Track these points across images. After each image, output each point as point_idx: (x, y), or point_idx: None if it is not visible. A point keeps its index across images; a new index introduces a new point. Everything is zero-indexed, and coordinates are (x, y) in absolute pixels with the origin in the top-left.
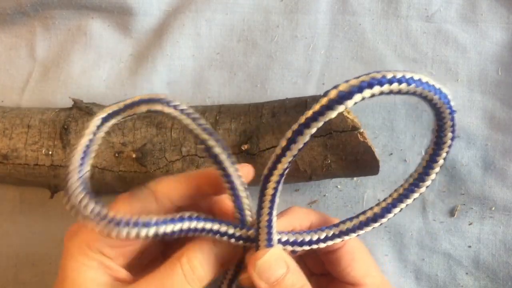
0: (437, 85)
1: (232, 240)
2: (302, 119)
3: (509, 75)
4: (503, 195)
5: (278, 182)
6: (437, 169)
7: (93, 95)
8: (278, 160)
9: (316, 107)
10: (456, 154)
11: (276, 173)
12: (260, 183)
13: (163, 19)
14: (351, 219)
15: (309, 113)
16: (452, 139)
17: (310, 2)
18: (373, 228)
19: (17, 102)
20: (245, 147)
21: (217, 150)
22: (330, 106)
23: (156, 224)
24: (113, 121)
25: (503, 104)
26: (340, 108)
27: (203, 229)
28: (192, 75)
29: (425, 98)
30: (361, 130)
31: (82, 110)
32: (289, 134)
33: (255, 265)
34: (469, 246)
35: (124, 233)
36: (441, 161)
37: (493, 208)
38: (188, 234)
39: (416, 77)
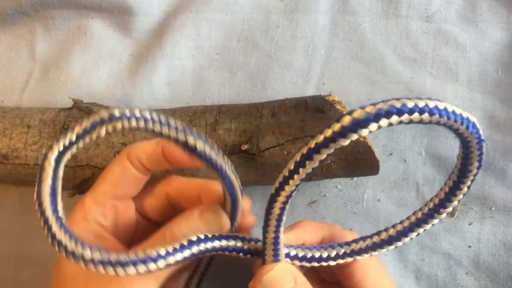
0: (464, 114)
1: (241, 254)
2: (313, 144)
3: (509, 75)
4: (503, 195)
5: (285, 203)
6: (460, 197)
7: (93, 95)
8: (285, 181)
9: (328, 132)
10: (456, 154)
11: (283, 194)
12: (266, 201)
13: (163, 19)
14: (364, 238)
15: (321, 138)
16: (479, 168)
17: (310, 2)
18: (387, 250)
19: (17, 102)
20: (245, 147)
21: (200, 147)
22: (343, 133)
23: (164, 257)
24: (68, 155)
25: (503, 104)
26: (353, 137)
27: (212, 249)
28: (192, 75)
29: (450, 127)
30: None
31: (82, 110)
32: (298, 157)
33: (261, 281)
34: (469, 246)
35: (132, 272)
36: (465, 189)
37: (493, 208)
38: (199, 256)
39: (440, 106)
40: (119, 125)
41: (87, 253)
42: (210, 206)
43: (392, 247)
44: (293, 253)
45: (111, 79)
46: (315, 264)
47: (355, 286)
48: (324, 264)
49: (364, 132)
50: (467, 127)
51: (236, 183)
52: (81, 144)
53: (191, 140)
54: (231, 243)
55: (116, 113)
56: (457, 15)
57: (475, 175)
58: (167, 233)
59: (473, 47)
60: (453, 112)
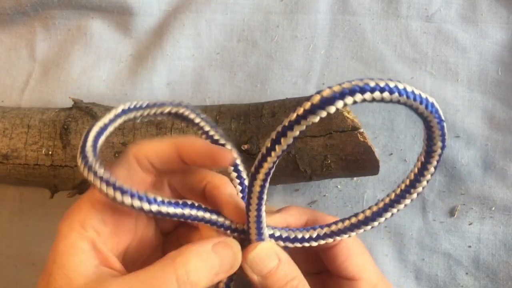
0: (423, 95)
1: (228, 232)
2: (286, 122)
3: (509, 75)
4: (503, 195)
5: (264, 180)
6: (428, 177)
7: (93, 95)
8: (263, 159)
9: (300, 111)
10: (456, 154)
11: (262, 171)
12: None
13: (163, 19)
14: (343, 220)
15: (293, 116)
16: (442, 148)
17: (310, 2)
18: (364, 230)
19: (17, 102)
20: (245, 147)
21: (229, 147)
22: (312, 110)
23: (158, 203)
24: (132, 115)
25: (503, 104)
26: (322, 113)
27: (202, 218)
28: (192, 75)
29: (410, 107)
30: (361, 130)
31: (82, 110)
32: (273, 135)
33: (247, 259)
34: (469, 246)
35: (128, 201)
36: (431, 169)
37: (493, 208)
38: (187, 220)
39: (400, 86)
40: (182, 111)
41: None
42: (224, 240)
43: (368, 227)
44: (277, 234)
45: (111, 79)
46: (298, 244)
47: (339, 268)
48: (306, 244)
49: (331, 109)
50: (426, 107)
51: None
52: (140, 113)
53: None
54: (221, 219)
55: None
56: (457, 15)
57: (440, 155)
58: (177, 263)
59: (473, 47)
60: (412, 91)
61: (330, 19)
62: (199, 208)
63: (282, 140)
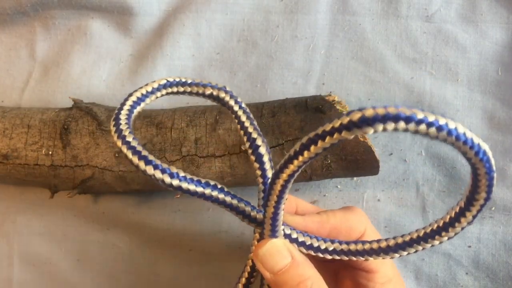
0: (476, 139)
1: (246, 221)
2: (320, 130)
3: (509, 75)
4: (503, 195)
5: (287, 181)
6: (464, 224)
7: (93, 95)
8: (289, 160)
9: (337, 123)
10: (456, 154)
11: (287, 171)
12: (267, 180)
13: (163, 19)
14: (363, 242)
15: (328, 126)
16: (486, 199)
17: (310, 2)
18: (382, 258)
19: (17, 102)
20: (245, 147)
21: (262, 150)
22: (348, 127)
23: (180, 178)
24: (172, 89)
25: (503, 104)
26: (357, 132)
27: (222, 201)
28: (192, 75)
29: (458, 149)
30: None
31: (82, 110)
32: (304, 139)
33: (258, 254)
34: (469, 246)
35: (150, 172)
36: (470, 218)
37: (493, 208)
38: (206, 200)
39: (451, 125)
40: (223, 95)
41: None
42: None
43: (388, 257)
44: (294, 235)
45: (111, 79)
46: (312, 252)
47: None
48: (320, 255)
49: (369, 130)
50: (477, 153)
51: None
52: (182, 89)
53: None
54: (241, 205)
55: (226, 87)
56: (457, 15)
57: (482, 206)
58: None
59: (473, 47)
60: (464, 134)
61: (330, 19)
62: (221, 190)
63: (311, 147)
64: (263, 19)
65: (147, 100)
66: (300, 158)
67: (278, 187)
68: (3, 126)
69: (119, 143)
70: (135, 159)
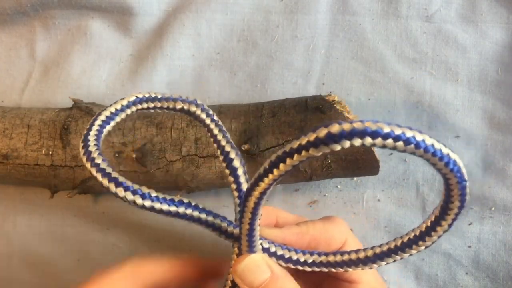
0: (444, 150)
1: (223, 237)
2: (287, 148)
3: (509, 75)
4: (503, 195)
5: (259, 198)
6: (440, 233)
7: (93, 95)
8: (260, 178)
9: (303, 140)
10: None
11: (258, 189)
12: (243, 195)
13: (163, 19)
14: (342, 253)
15: (295, 144)
16: (460, 208)
17: (310, 2)
18: (361, 269)
19: (17, 102)
20: (245, 147)
21: (236, 163)
22: (315, 144)
23: (153, 198)
24: (142, 106)
25: (503, 104)
26: (325, 149)
27: (198, 219)
28: (192, 75)
29: (428, 161)
30: None
31: (82, 110)
32: (273, 157)
33: (236, 270)
34: (469, 246)
35: (121, 194)
36: (445, 227)
37: (493, 208)
38: (180, 218)
39: (418, 137)
40: (193, 109)
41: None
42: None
43: (367, 267)
44: (272, 249)
45: (111, 79)
46: (291, 265)
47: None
48: (299, 267)
49: (335, 147)
50: (447, 164)
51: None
52: (148, 105)
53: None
54: (217, 221)
55: (193, 99)
56: (457, 15)
57: (456, 214)
58: None
59: (473, 47)
60: (432, 145)
61: (330, 19)
62: (195, 207)
63: (280, 165)
64: (263, 19)
65: (117, 118)
66: (270, 176)
67: (251, 204)
68: (3, 126)
69: (88, 165)
70: (105, 182)
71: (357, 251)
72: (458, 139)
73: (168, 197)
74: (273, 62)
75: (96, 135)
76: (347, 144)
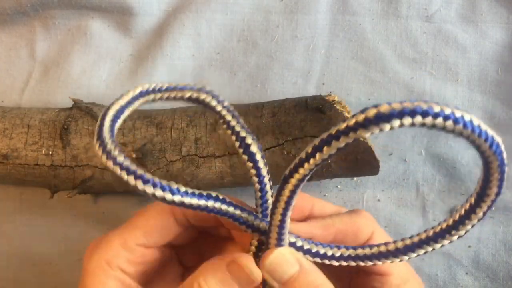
0: (490, 131)
1: (249, 231)
2: (333, 130)
3: (509, 75)
4: (503, 195)
5: (296, 186)
6: (474, 221)
7: (93, 95)
8: (301, 164)
9: (351, 121)
10: (456, 154)
11: (297, 176)
12: (279, 182)
13: (163, 19)
14: (371, 246)
15: (343, 126)
16: (497, 194)
17: (310, 2)
18: (391, 262)
19: (17, 102)
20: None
21: (253, 148)
22: (364, 124)
23: (182, 193)
24: (149, 97)
25: (503, 104)
26: (375, 130)
27: (226, 212)
28: (192, 75)
29: (472, 142)
30: None
31: (82, 110)
32: (317, 141)
33: (264, 265)
34: (469, 246)
35: (150, 191)
36: (480, 215)
37: (493, 208)
38: (209, 213)
39: (466, 117)
40: (204, 97)
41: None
42: (239, 257)
43: (397, 260)
44: (299, 244)
45: (111, 79)
46: (318, 260)
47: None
48: (326, 262)
49: (386, 127)
50: (491, 146)
51: (270, 193)
52: (159, 95)
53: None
54: (244, 215)
55: (207, 88)
56: (457, 15)
57: (492, 201)
58: (194, 287)
59: (473, 47)
60: (478, 126)
61: (330, 19)
62: (223, 201)
63: (324, 148)
64: (263, 19)
65: (127, 112)
66: (312, 160)
67: (286, 192)
68: (3, 126)
69: (109, 164)
70: (131, 180)
71: (386, 244)
72: (458, 139)
73: (197, 192)
74: (273, 62)
75: (110, 131)
76: (396, 123)
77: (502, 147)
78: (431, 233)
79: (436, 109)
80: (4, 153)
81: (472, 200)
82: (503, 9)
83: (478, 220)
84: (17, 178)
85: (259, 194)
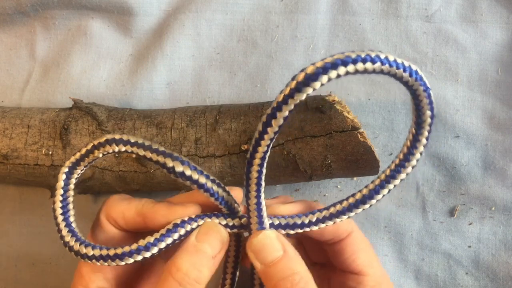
0: (406, 63)
1: (228, 230)
2: (274, 103)
3: (509, 75)
4: (503, 195)
5: (260, 165)
6: (421, 148)
7: (93, 95)
8: (257, 143)
9: (286, 90)
10: (456, 154)
11: (258, 156)
12: (244, 168)
13: (163, 19)
14: (341, 202)
15: (280, 96)
16: (432, 117)
17: (310, 2)
18: (363, 210)
19: (17, 102)
20: (245, 147)
21: (179, 168)
22: (298, 88)
23: (155, 243)
24: (78, 171)
25: (503, 104)
26: (308, 90)
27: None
28: (192, 75)
29: (394, 76)
30: (361, 130)
31: (82, 110)
32: (264, 118)
33: (251, 244)
34: (469, 246)
35: (129, 261)
36: (423, 141)
37: (493, 208)
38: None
39: (382, 55)
40: (110, 149)
41: (89, 251)
42: (204, 226)
43: (367, 206)
44: (276, 222)
45: (111, 79)
46: (299, 230)
47: (346, 262)
48: (307, 229)
49: (317, 84)
50: (410, 74)
51: (230, 198)
52: (85, 162)
53: (178, 166)
54: (215, 220)
55: (109, 137)
56: (457, 15)
57: (430, 125)
58: (173, 271)
59: (473, 47)
60: (394, 60)
61: (330, 19)
62: (191, 221)
63: (272, 121)
64: (263, 19)
65: (82, 167)
66: (266, 136)
67: (254, 174)
68: (3, 126)
69: (89, 261)
70: (119, 263)
71: (353, 195)
72: (458, 139)
73: (164, 231)
74: (273, 62)
75: (64, 220)
76: (325, 78)
77: (421, 73)
78: (388, 172)
79: (353, 55)
80: (4, 153)
81: (413, 130)
82: (503, 9)
83: (424, 147)
84: (17, 178)
85: (213, 198)
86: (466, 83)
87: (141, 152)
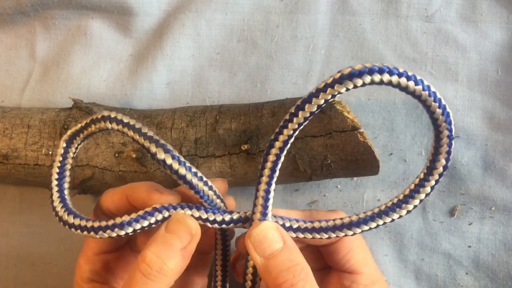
0: (425, 82)
1: (210, 225)
2: (314, 89)
3: (509, 75)
4: (503, 195)
5: (281, 149)
6: (440, 169)
7: (93, 95)
8: (285, 125)
9: (329, 79)
10: (456, 154)
11: (281, 138)
12: (265, 150)
13: (163, 19)
14: (350, 216)
15: (322, 84)
16: (450, 137)
17: (310, 2)
18: (370, 228)
19: (17, 102)
20: (245, 147)
21: (161, 155)
22: (342, 79)
23: (130, 222)
24: (78, 141)
25: (503, 104)
26: (349, 84)
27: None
28: (192, 75)
29: (413, 94)
30: (361, 130)
31: (82, 110)
32: (299, 102)
33: (250, 235)
34: (469, 246)
35: (106, 235)
36: (442, 161)
37: (493, 208)
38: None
39: (425, 82)
40: (105, 126)
41: (71, 219)
42: (173, 216)
43: (374, 224)
44: (280, 222)
45: (111, 79)
46: (300, 234)
47: (341, 261)
48: (308, 235)
49: (358, 81)
50: (429, 95)
51: (212, 192)
52: (80, 138)
53: (160, 153)
54: (196, 214)
55: (105, 114)
56: (457, 15)
57: (448, 146)
58: (139, 261)
59: (473, 47)
60: (422, 80)
61: (330, 19)
62: (169, 208)
63: (306, 106)
64: (263, 19)
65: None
66: (295, 119)
67: (271, 157)
68: (3, 126)
69: (74, 230)
70: (97, 235)
71: (365, 212)
72: (458, 139)
73: (141, 213)
74: (273, 62)
75: (59, 197)
76: (368, 79)
77: (439, 95)
78: (401, 196)
79: (401, 69)
80: (4, 153)
81: (431, 151)
82: (503, 9)
83: (443, 168)
84: (17, 178)
85: (194, 190)
86: (466, 83)
87: (130, 133)
